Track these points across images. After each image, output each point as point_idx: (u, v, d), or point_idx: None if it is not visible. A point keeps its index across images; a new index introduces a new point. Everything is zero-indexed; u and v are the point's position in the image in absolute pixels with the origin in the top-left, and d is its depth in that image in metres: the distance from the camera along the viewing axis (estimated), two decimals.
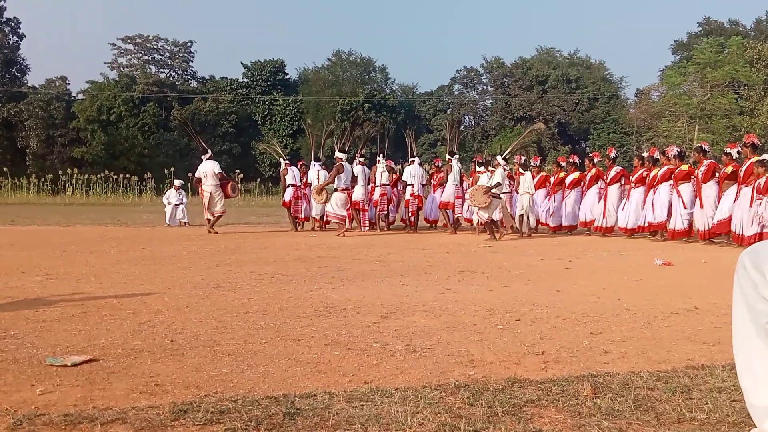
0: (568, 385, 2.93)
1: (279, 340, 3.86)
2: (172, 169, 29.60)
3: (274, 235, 12.13)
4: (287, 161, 14.38)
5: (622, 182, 12.47)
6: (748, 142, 10.12)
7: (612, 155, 12.91)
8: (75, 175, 30.96)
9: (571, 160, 13.90)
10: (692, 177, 10.99)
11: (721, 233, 10.36)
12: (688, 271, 7.35)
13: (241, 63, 49.09)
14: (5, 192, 30.64)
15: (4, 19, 42.98)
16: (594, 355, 3.54)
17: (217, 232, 12.47)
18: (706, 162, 10.78)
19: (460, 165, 13.43)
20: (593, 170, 12.89)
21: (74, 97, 45.24)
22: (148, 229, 14.04)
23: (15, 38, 44.00)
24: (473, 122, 48.49)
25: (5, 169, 31.11)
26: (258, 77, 46.84)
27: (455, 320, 4.46)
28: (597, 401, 2.70)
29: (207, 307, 4.89)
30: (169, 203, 16.27)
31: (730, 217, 9.98)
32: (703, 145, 11.44)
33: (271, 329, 4.14)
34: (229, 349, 3.61)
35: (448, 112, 46.57)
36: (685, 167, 11.19)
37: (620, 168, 12.88)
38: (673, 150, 11.54)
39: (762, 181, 9.40)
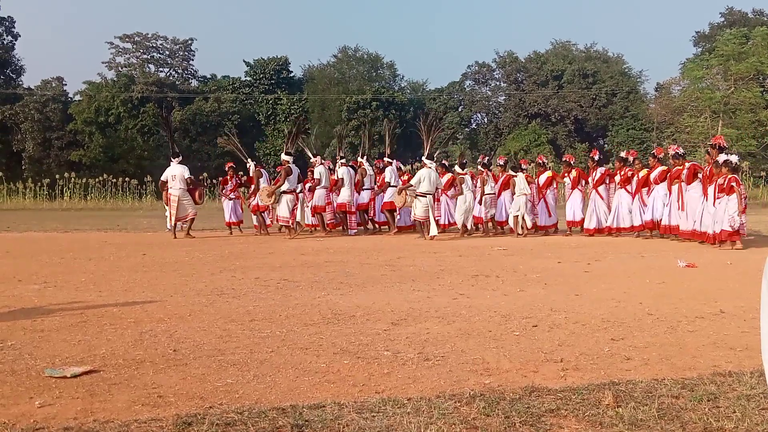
0: (589, 393, 2.88)
1: (286, 348, 3.79)
2: None
3: (280, 240, 12.07)
4: (256, 162, 14.28)
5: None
6: (715, 144, 10.20)
7: (630, 158, 12.86)
8: (72, 179, 30.77)
9: (566, 160, 13.87)
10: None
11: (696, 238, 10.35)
12: (713, 273, 7.16)
13: (244, 61, 48.00)
14: (0, 197, 30.54)
15: None
16: (615, 362, 3.47)
17: (194, 237, 12.30)
18: (687, 164, 10.84)
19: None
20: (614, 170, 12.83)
21: (71, 98, 44.79)
22: (149, 234, 13.97)
23: (9, 38, 43.58)
24: (486, 119, 48.00)
25: (0, 173, 30.87)
26: (261, 75, 46.43)
27: (469, 327, 4.38)
28: (619, 410, 2.65)
29: (211, 315, 4.82)
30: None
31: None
32: (677, 150, 11.46)
33: (277, 338, 4.07)
34: (234, 359, 3.55)
35: (460, 110, 46.23)
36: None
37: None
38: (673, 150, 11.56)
39: (721, 180, 9.43)
